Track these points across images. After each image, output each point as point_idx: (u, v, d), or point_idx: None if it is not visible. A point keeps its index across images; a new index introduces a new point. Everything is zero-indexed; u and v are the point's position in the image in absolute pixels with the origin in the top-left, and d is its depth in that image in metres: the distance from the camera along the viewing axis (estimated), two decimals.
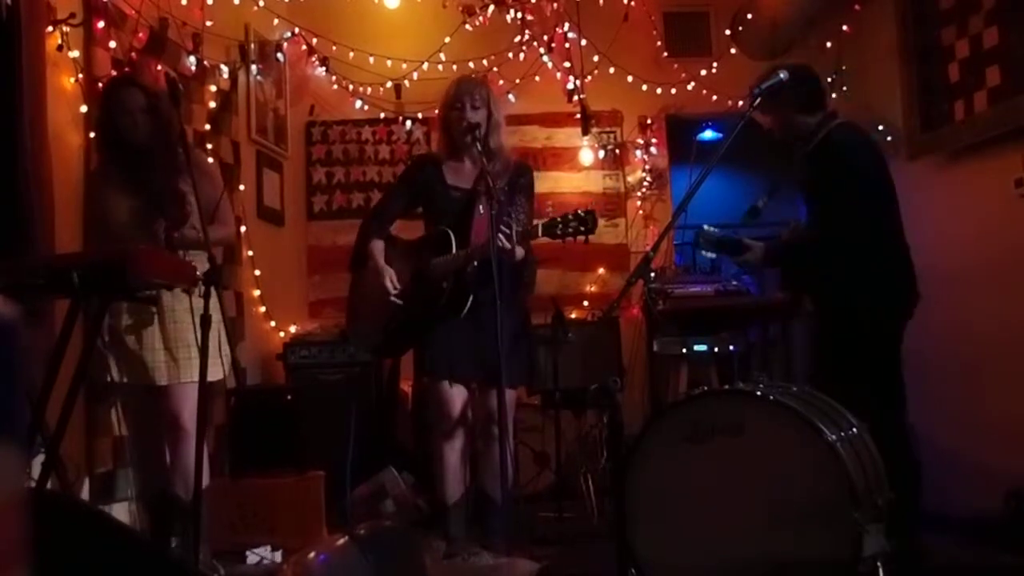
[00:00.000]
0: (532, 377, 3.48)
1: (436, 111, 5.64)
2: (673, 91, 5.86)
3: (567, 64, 5.76)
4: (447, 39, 5.70)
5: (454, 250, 3.24)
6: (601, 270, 5.84)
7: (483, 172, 3.17)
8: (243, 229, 4.70)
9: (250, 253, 5.01)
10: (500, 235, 3.02)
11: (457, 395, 3.30)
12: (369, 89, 5.76)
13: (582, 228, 3.01)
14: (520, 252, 3.21)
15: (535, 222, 3.22)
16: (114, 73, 3.84)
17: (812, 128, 3.27)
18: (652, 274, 2.80)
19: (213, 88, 4.72)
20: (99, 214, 3.26)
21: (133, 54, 4.02)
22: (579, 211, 3.06)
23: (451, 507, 3.32)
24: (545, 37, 5.80)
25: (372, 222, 3.54)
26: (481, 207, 3.25)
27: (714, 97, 5.77)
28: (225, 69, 4.84)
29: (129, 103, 3.16)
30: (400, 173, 4.02)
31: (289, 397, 4.33)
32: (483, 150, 3.25)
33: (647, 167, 5.94)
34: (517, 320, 3.35)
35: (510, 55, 5.79)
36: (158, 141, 3.13)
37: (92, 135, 3.73)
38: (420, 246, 3.41)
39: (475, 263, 3.18)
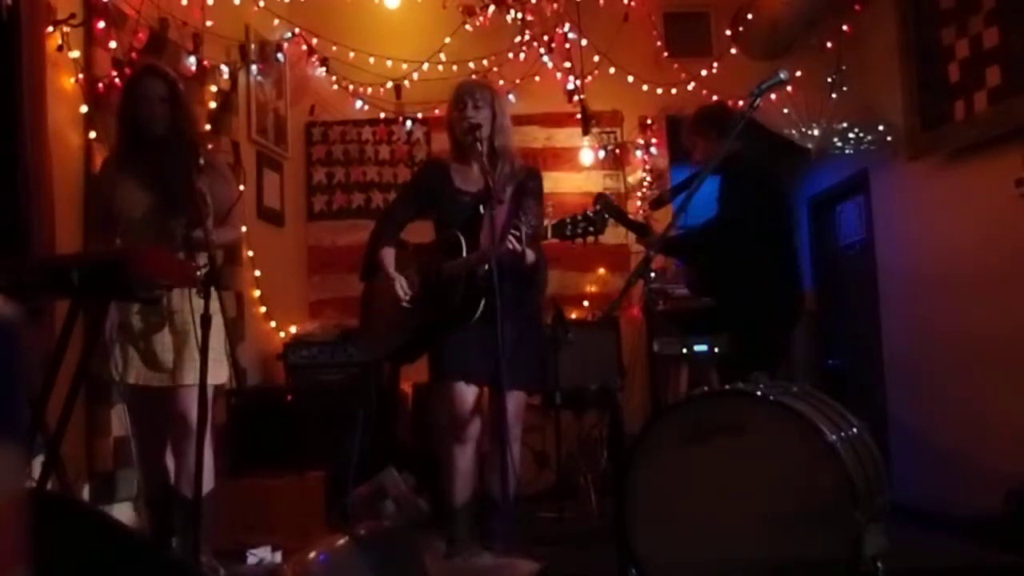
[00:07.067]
0: (543, 381, 3.44)
1: (436, 111, 5.71)
2: (673, 91, 5.86)
3: (567, 64, 5.76)
4: (447, 39, 5.70)
5: (464, 254, 3.23)
6: (601, 270, 5.84)
7: (485, 174, 3.15)
8: (243, 229, 4.70)
9: (250, 253, 5.01)
10: (511, 237, 3.01)
11: (471, 396, 3.28)
12: (369, 89, 5.76)
13: (591, 229, 2.99)
14: (531, 256, 3.18)
15: (544, 223, 3.21)
16: (114, 73, 3.84)
17: None
18: (652, 274, 2.79)
19: (213, 88, 4.73)
20: (112, 208, 3.20)
21: (133, 54, 4.01)
22: (587, 211, 3.04)
23: (459, 509, 3.29)
24: (545, 37, 5.80)
25: (382, 228, 3.50)
26: (482, 208, 3.24)
27: (714, 97, 5.76)
28: (225, 69, 4.84)
29: (150, 91, 3.12)
30: (409, 179, 4.00)
31: (289, 397, 4.33)
32: (486, 151, 3.24)
33: (647, 167, 5.94)
34: (529, 323, 3.34)
35: (510, 55, 5.79)
36: (178, 135, 3.08)
37: (92, 135, 3.74)
38: (431, 250, 3.40)
39: (486, 266, 3.17)
